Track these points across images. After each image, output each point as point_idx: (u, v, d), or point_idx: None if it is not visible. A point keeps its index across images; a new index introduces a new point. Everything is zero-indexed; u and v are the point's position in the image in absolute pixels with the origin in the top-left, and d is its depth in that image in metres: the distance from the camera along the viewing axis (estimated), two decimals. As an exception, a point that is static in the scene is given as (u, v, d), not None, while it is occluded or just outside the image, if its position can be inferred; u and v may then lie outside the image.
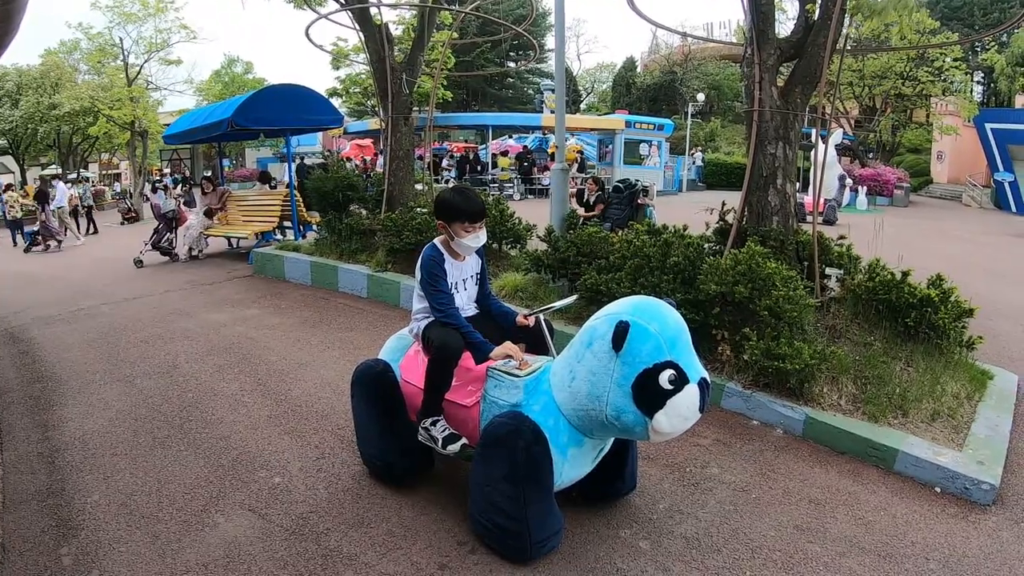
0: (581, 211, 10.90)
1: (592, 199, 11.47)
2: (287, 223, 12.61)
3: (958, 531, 3.97)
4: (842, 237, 6.85)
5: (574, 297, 3.98)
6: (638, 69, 55.89)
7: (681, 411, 3.01)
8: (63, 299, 9.22)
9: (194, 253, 12.50)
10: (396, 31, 18.44)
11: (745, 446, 4.77)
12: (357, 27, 9.85)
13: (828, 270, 6.56)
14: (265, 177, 15.75)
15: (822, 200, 20.20)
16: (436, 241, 3.90)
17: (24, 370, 6.26)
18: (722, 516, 3.92)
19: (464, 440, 3.66)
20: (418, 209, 8.90)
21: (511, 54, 51.26)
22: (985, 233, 21.60)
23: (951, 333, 6.00)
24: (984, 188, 33.33)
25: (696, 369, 3.09)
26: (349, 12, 9.80)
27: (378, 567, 3.33)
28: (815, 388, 5.13)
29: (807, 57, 6.35)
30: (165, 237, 12.59)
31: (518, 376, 3.50)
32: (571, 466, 3.41)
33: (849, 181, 24.30)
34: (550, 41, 57.37)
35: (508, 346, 3.60)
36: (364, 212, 9.97)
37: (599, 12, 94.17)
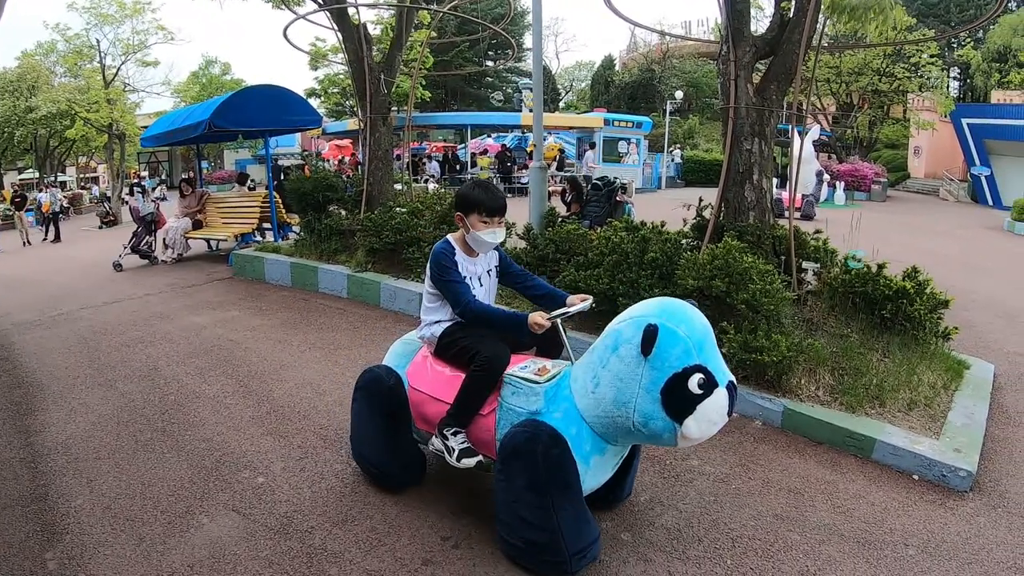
0: (563, 210, 10.96)
1: (569, 199, 11.54)
2: (267, 225, 12.57)
3: (936, 517, 4.04)
4: (818, 231, 6.93)
5: (590, 301, 3.72)
6: (616, 67, 56.10)
7: (711, 416, 2.94)
8: (42, 304, 9.15)
9: (175, 256, 12.43)
10: (375, 31, 18.38)
11: (724, 438, 4.81)
12: (335, 27, 9.84)
13: (805, 264, 6.64)
14: (243, 178, 15.68)
15: (800, 196, 20.48)
16: (448, 236, 3.85)
17: (4, 375, 6.22)
18: (702, 507, 3.97)
19: (480, 457, 3.49)
20: (397, 209, 8.91)
21: (489, 53, 51.30)
22: (962, 227, 21.86)
23: (927, 324, 6.10)
24: (961, 182, 33.76)
25: (724, 372, 3.02)
26: (327, 12, 9.79)
27: (362, 564, 3.35)
28: (793, 380, 5.20)
29: (782, 54, 6.43)
30: (144, 240, 12.50)
31: (537, 382, 3.38)
32: (593, 474, 3.31)
33: (826, 176, 24.52)
34: (528, 40, 57.49)
35: (539, 316, 3.47)
36: (343, 213, 9.95)
37: (577, 11, 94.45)
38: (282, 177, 16.11)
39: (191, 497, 3.96)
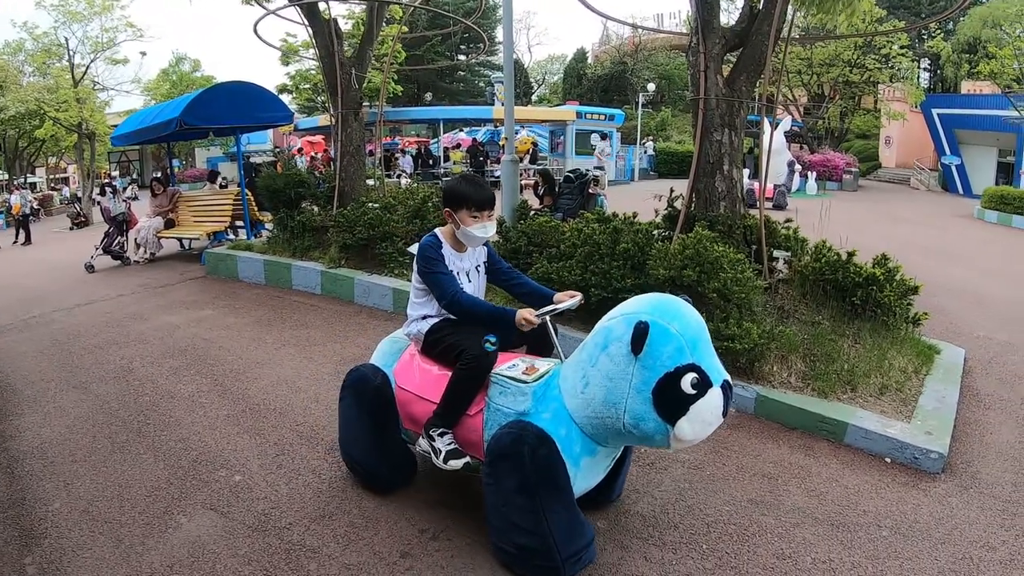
0: (536, 203, 11.00)
1: (541, 192, 11.59)
2: (239, 223, 12.49)
3: (909, 499, 4.11)
4: (788, 220, 7.00)
5: (579, 298, 3.62)
6: (589, 60, 56.16)
7: (705, 417, 2.84)
8: (14, 307, 9.04)
9: (147, 256, 12.31)
10: (346, 26, 18.33)
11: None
12: (306, 22, 9.80)
13: (775, 252, 6.71)
14: (213, 176, 15.56)
15: (772, 186, 20.65)
16: (436, 230, 3.79)
17: (-23, 381, 6.15)
18: (677, 493, 4.01)
19: (467, 459, 3.40)
20: (370, 204, 8.89)
21: (462, 47, 51.12)
22: (932, 215, 22.18)
23: (897, 310, 6.19)
24: (931, 171, 34.28)
25: (718, 371, 2.93)
26: (298, 7, 9.74)
27: (341, 558, 3.36)
28: (765, 367, 5.26)
29: (751, 46, 6.48)
30: (116, 241, 12.37)
31: (525, 382, 3.28)
32: (584, 477, 3.22)
33: (798, 167, 24.75)
34: (500, 33, 57.37)
35: (527, 312, 3.39)
36: (316, 209, 9.91)
37: (549, 4, 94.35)
38: (254, 174, 16.01)
39: (169, 497, 3.94)
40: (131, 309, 8.42)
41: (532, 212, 8.42)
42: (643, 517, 3.74)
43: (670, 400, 2.83)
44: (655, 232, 6.47)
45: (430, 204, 8.76)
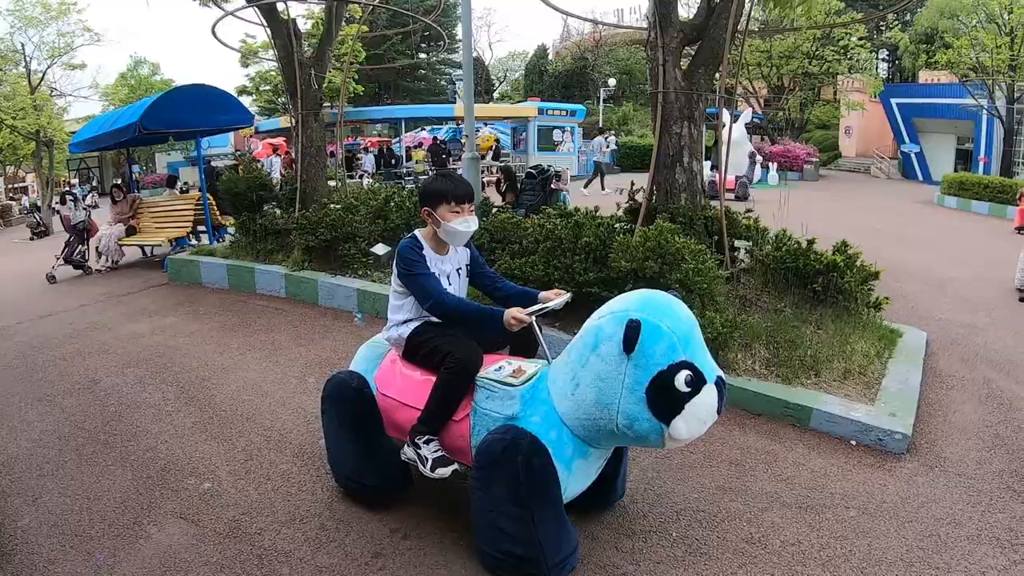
0: (499, 200, 11.03)
1: (504, 188, 11.61)
2: (201, 227, 12.35)
3: (875, 480, 4.19)
4: (749, 211, 7.10)
5: (568, 295, 3.54)
6: (550, 56, 56.25)
7: (700, 415, 2.79)
8: (-26, 320, 8.88)
9: (109, 264, 12.13)
10: (305, 26, 18.24)
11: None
12: (264, 23, 9.72)
13: (737, 243, 6.79)
14: (172, 181, 15.37)
15: (733, 177, 20.86)
16: (416, 232, 3.66)
17: (-60, 397, 6.03)
18: (646, 482, 4.05)
19: (455, 466, 3.30)
20: (332, 206, 8.84)
21: (422, 45, 50.95)
22: (893, 202, 22.55)
23: (858, 296, 6.30)
24: (891, 160, 34.87)
25: (711, 367, 2.87)
26: (256, 8, 9.66)
27: (313, 561, 3.35)
28: (729, 355, 5.31)
29: (709, 39, 6.56)
30: (77, 250, 12.16)
31: (512, 385, 3.19)
32: (576, 479, 3.16)
33: (759, 158, 25.00)
34: (460, 31, 57.29)
35: (517, 311, 3.28)
36: (278, 212, 9.84)
37: (510, 1, 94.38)
38: (215, 178, 15.83)
39: (138, 508, 3.90)
40: (94, 319, 8.30)
41: (495, 209, 8.43)
42: (612, 507, 3.77)
43: (664, 399, 2.77)
44: (617, 226, 6.52)
45: (392, 204, 8.73)
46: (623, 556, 3.38)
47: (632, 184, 7.19)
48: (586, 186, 23.16)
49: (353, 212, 8.70)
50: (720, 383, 2.86)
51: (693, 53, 6.84)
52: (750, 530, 3.62)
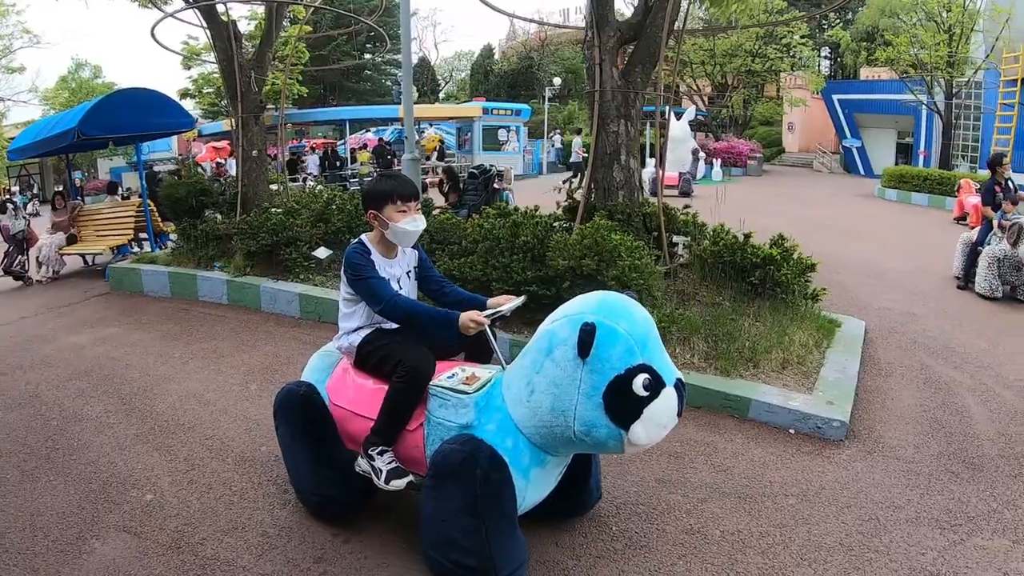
0: (442, 200, 11.06)
1: (447, 189, 11.63)
2: (143, 234, 12.14)
3: (814, 467, 4.29)
4: (687, 206, 7.20)
5: (523, 298, 3.47)
6: (496, 56, 56.42)
7: (660, 419, 2.72)
8: (-93, 338, 8.61)
9: (50, 274, 11.86)
10: (248, 27, 18.02)
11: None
12: (204, 25, 9.60)
13: (675, 238, 6.88)
14: (113, 187, 15.07)
15: (677, 174, 21.12)
16: (362, 236, 3.57)
17: None
18: (586, 478, 4.08)
19: (411, 477, 3.20)
20: (273, 210, 8.77)
21: (368, 46, 50.55)
22: (835, 195, 22.98)
23: (795, 288, 6.42)
24: (833, 155, 35.58)
25: (670, 369, 2.81)
26: (196, 10, 9.53)
27: (255, 569, 3.33)
28: (668, 349, 5.31)
29: (646, 38, 6.64)
30: (16, 260, 11.86)
31: (466, 393, 3.11)
32: (534, 488, 3.08)
33: (702, 155, 25.33)
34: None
35: (474, 314, 3.19)
36: (219, 217, 9.72)
37: (455, 1, 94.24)
38: (156, 183, 15.57)
39: (81, 523, 3.83)
40: (35, 331, 8.11)
41: (436, 210, 8.43)
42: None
43: (622, 404, 2.69)
44: (556, 224, 6.57)
45: (333, 207, 8.69)
46: (562, 551, 3.41)
47: (570, 183, 7.23)
48: (565, 182, 23.28)
49: (294, 216, 8.64)
50: (680, 385, 2.80)
51: (630, 52, 6.92)
52: (689, 521, 3.68)
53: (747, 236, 6.55)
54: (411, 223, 3.42)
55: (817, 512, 3.78)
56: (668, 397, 2.73)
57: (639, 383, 2.66)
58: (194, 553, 3.48)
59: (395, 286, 3.47)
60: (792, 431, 4.77)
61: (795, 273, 6.41)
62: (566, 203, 7.12)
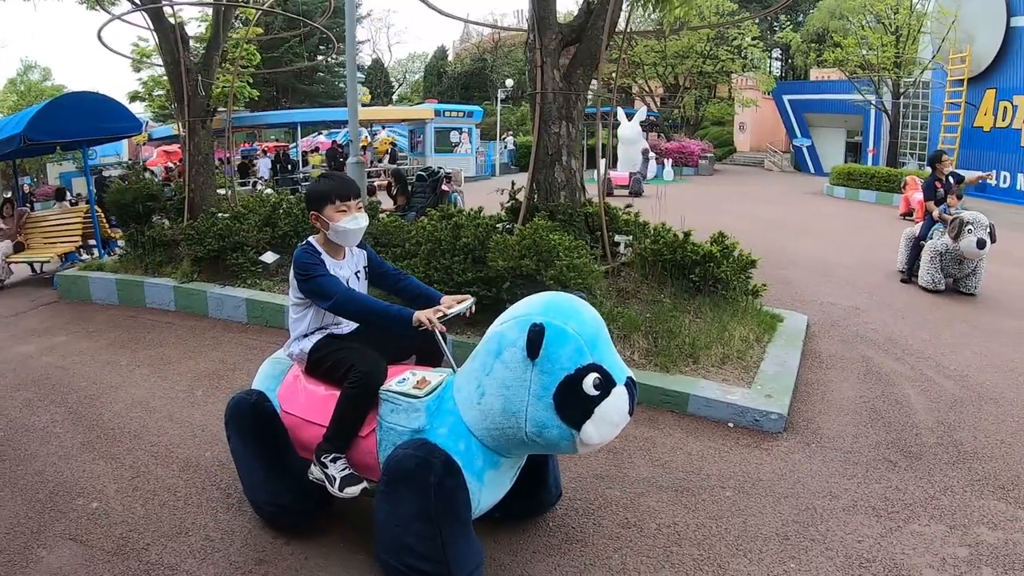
0: (391, 203, 11.09)
1: (395, 192, 11.65)
2: (92, 241, 11.97)
3: (752, 459, 4.38)
4: (628, 206, 7.30)
5: (471, 301, 3.46)
6: (449, 58, 56.47)
7: (611, 418, 2.73)
8: None
9: (-1, 284, 11.64)
10: (198, 29, 17.76)
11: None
12: (151, 27, 9.52)
13: (617, 237, 6.98)
14: (61, 193, 14.85)
15: (627, 174, 21.34)
16: (309, 238, 3.51)
17: None
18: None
19: (365, 484, 3.18)
20: (220, 215, 8.72)
21: (321, 48, 50.24)
22: (784, 193, 23.35)
23: (736, 284, 6.54)
24: (784, 154, 36.15)
25: (621, 368, 2.82)
26: (144, 13, 9.44)
27: (198, 572, 3.35)
28: (608, 347, 5.46)
29: (587, 40, 6.72)
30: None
31: (417, 397, 3.07)
32: (489, 491, 3.08)
33: (652, 154, 25.60)
34: (360, 33, 56.47)
35: (426, 313, 3.17)
36: (166, 222, 9.63)
37: (409, 3, 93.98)
38: (104, 189, 15.34)
39: (28, 532, 3.82)
40: (-20, 343, 7.99)
41: (383, 213, 8.45)
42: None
43: (573, 404, 2.70)
44: (499, 225, 6.64)
45: (280, 211, 8.67)
46: (499, 547, 3.47)
47: (513, 184, 7.29)
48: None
49: (241, 220, 8.60)
50: (631, 384, 2.82)
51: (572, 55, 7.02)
52: (626, 515, 3.75)
53: (687, 234, 6.66)
54: (352, 222, 3.38)
55: (754, 503, 3.87)
56: (619, 396, 2.74)
57: (589, 383, 2.68)
58: (139, 559, 3.49)
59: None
60: (731, 425, 4.87)
61: (735, 270, 6.54)
62: (509, 204, 7.19)
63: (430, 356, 3.55)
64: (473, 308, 3.48)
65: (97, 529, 3.80)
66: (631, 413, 2.82)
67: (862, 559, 3.38)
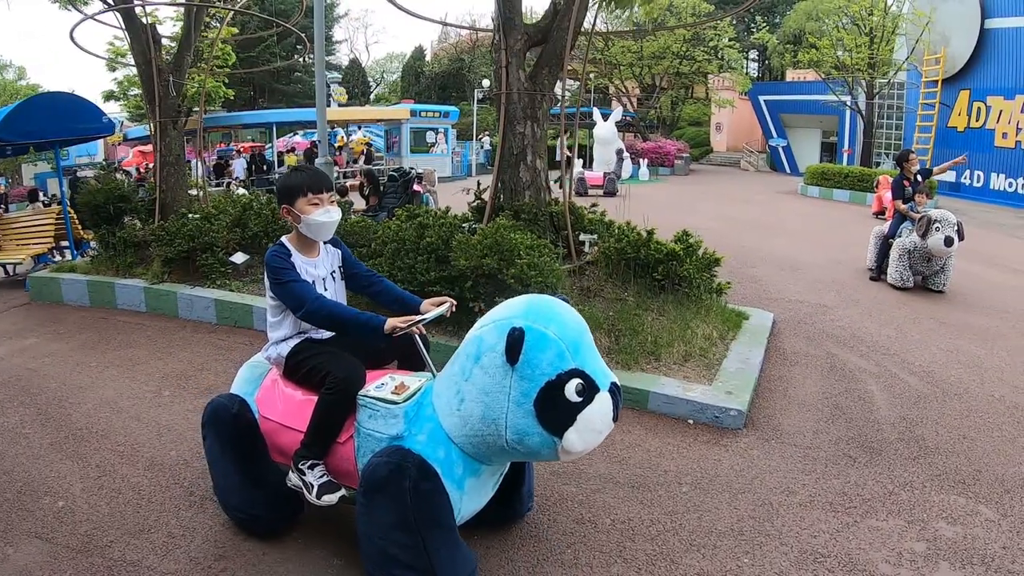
0: (363, 204, 11.12)
1: (367, 192, 11.68)
2: (64, 242, 11.93)
3: (710, 455, 4.44)
4: (594, 205, 7.38)
5: (448, 304, 3.37)
6: (427, 58, 56.42)
7: (594, 425, 2.64)
8: None
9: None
10: (173, 29, 17.68)
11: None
12: (123, 27, 9.50)
13: (582, 236, 7.04)
14: (34, 195, 14.78)
15: (602, 173, 21.45)
16: (282, 238, 3.44)
17: None
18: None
19: (343, 491, 3.13)
20: (190, 215, 8.73)
21: (299, 47, 50.10)
22: (759, 193, 23.53)
23: (699, 282, 6.62)
24: (760, 153, 36.47)
25: (604, 373, 2.74)
26: (116, 13, 9.42)
27: (159, 568, 3.40)
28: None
29: (553, 41, 6.79)
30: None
31: (395, 403, 3.00)
32: (470, 499, 3.00)
33: (626, 154, 25.72)
34: (338, 33, 56.22)
35: (400, 320, 3.11)
36: (138, 223, 9.62)
37: (386, 3, 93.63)
38: (77, 190, 15.27)
39: (-5, 532, 3.85)
40: (-49, 345, 7.95)
41: (355, 213, 8.47)
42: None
43: (554, 410, 2.62)
44: (465, 224, 6.68)
45: (251, 212, 8.68)
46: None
47: (479, 183, 7.35)
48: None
49: (211, 221, 8.61)
50: (615, 389, 2.73)
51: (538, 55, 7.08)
52: (581, 511, 3.80)
53: (650, 232, 6.73)
54: (324, 214, 3.30)
55: (710, 499, 3.92)
56: (603, 402, 2.66)
57: (572, 389, 2.60)
58: (102, 555, 3.54)
59: (320, 288, 3.38)
60: (691, 421, 4.93)
61: (698, 268, 6.61)
62: (475, 204, 7.24)
63: (411, 360, 3.49)
64: (452, 310, 3.42)
65: (62, 527, 3.84)
66: (615, 420, 2.74)
67: (817, 554, 3.42)
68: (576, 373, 2.62)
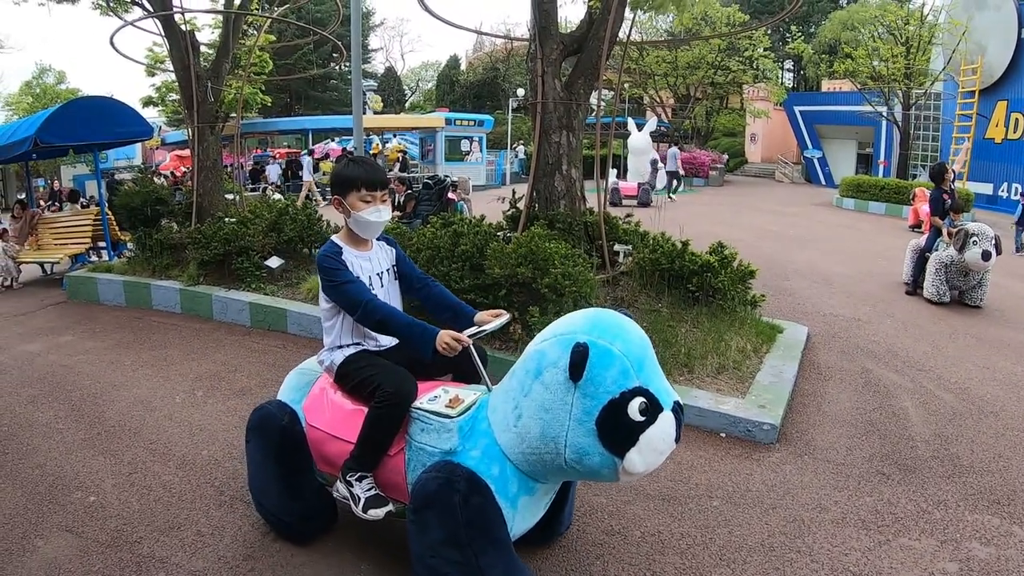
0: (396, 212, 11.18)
1: (402, 199, 11.74)
2: (101, 243, 12.11)
3: (742, 469, 4.36)
4: (629, 215, 7.34)
5: (507, 317, 3.29)
6: (462, 67, 56.69)
7: (656, 445, 2.51)
8: None
9: (6, 283, 11.77)
10: (213, 35, 17.94)
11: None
12: (163, 34, 9.66)
13: (616, 246, 7.00)
14: (74, 196, 15.01)
15: (636, 184, 21.36)
16: (333, 236, 3.37)
17: None
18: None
19: (390, 506, 3.04)
20: (226, 219, 8.82)
21: (334, 55, 50.61)
22: (793, 204, 23.27)
23: (733, 294, 6.55)
24: (795, 165, 36.11)
25: (668, 392, 2.61)
26: (155, 19, 9.57)
27: (188, 566, 3.41)
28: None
29: (588, 51, 6.78)
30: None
31: (449, 416, 2.92)
32: (522, 518, 2.89)
33: (661, 165, 25.61)
34: (374, 41, 56.60)
35: (455, 334, 3.00)
36: (175, 226, 9.75)
37: (422, 12, 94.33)
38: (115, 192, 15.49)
39: (26, 523, 3.90)
40: (-11, 340, 8.09)
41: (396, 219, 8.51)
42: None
43: (616, 430, 2.50)
44: (500, 233, 6.68)
45: (286, 217, 8.76)
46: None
47: (514, 192, 7.35)
48: (672, 194, 23.59)
49: (247, 225, 8.71)
50: (677, 409, 2.60)
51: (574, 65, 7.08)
52: (611, 523, 3.76)
53: (685, 244, 6.69)
54: (373, 213, 3.23)
55: (741, 514, 3.85)
56: (666, 422, 2.53)
57: (635, 408, 2.48)
58: (131, 551, 3.57)
59: (376, 285, 3.33)
60: (723, 435, 4.85)
61: (733, 280, 6.54)
62: (509, 212, 7.24)
63: (467, 373, 3.35)
64: (510, 324, 3.35)
65: (93, 522, 3.88)
66: (678, 440, 2.61)
67: (848, 572, 3.36)
68: (640, 392, 2.51)
